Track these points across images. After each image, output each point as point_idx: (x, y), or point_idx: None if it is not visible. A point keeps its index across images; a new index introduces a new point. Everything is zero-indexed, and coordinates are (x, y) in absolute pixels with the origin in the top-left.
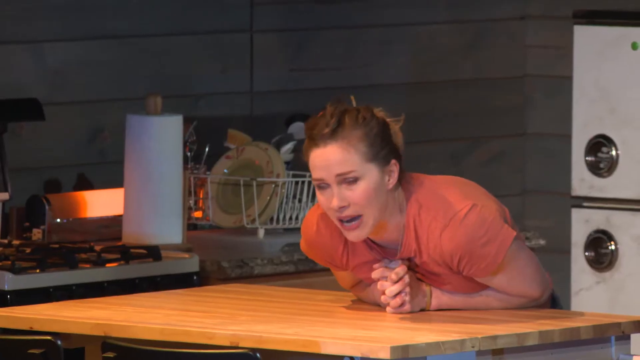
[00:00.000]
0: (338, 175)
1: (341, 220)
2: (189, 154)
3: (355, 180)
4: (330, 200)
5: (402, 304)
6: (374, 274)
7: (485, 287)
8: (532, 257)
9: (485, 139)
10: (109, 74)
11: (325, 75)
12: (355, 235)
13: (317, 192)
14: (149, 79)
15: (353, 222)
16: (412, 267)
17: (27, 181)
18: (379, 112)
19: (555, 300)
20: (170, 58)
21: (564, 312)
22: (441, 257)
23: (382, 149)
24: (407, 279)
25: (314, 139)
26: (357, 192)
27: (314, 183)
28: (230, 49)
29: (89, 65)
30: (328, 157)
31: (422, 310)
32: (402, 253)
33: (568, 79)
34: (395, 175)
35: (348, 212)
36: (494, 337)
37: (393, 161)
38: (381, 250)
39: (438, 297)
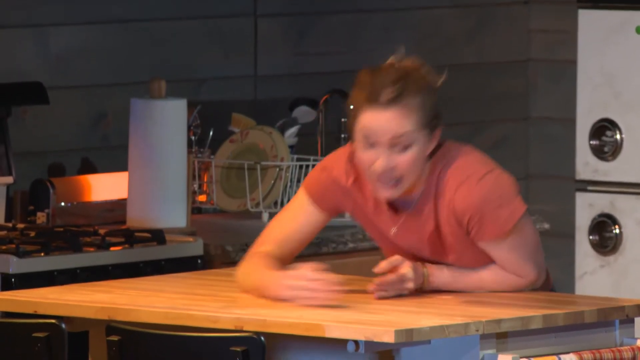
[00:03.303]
0: (392, 139)
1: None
2: (193, 138)
3: (406, 147)
4: (373, 160)
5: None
6: (377, 269)
7: (485, 264)
8: (536, 237)
9: (489, 124)
10: (112, 58)
11: (328, 59)
12: (388, 195)
13: (359, 148)
14: (152, 63)
15: (391, 183)
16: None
17: (31, 165)
18: (431, 74)
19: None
20: (174, 42)
21: (568, 296)
22: (453, 214)
23: (434, 117)
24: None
25: (373, 100)
26: (405, 159)
27: (357, 137)
28: (234, 33)
29: (93, 49)
30: (386, 123)
31: (420, 289)
32: (416, 208)
33: (571, 64)
34: (435, 141)
35: (390, 176)
36: (498, 321)
37: (438, 129)
38: (392, 208)
39: (434, 276)
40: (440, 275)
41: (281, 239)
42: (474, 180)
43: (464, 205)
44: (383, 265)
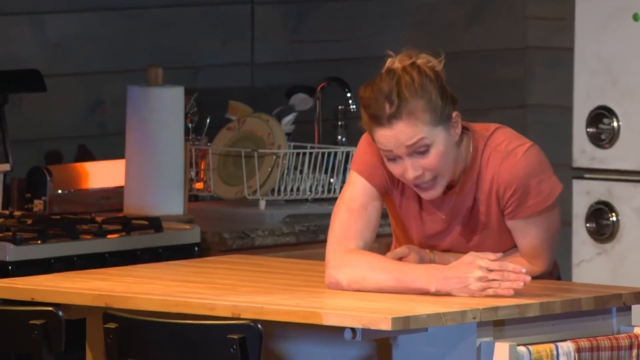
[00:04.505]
0: (408, 148)
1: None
2: (190, 125)
3: (426, 149)
4: (402, 171)
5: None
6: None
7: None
8: (559, 226)
9: (486, 111)
10: (110, 45)
11: (325, 47)
12: (430, 195)
13: (389, 163)
14: (150, 50)
15: (428, 184)
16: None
17: (28, 152)
18: (427, 65)
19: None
20: (172, 30)
21: (565, 284)
22: (497, 187)
23: (444, 107)
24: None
25: (377, 120)
26: (430, 159)
27: (382, 154)
28: (231, 20)
29: (90, 37)
30: (397, 136)
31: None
32: (459, 188)
33: (569, 51)
34: (459, 124)
35: (424, 179)
36: (495, 309)
37: (454, 114)
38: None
39: (441, 261)
40: (447, 263)
41: (359, 230)
42: (519, 153)
43: (509, 178)
44: (389, 256)
